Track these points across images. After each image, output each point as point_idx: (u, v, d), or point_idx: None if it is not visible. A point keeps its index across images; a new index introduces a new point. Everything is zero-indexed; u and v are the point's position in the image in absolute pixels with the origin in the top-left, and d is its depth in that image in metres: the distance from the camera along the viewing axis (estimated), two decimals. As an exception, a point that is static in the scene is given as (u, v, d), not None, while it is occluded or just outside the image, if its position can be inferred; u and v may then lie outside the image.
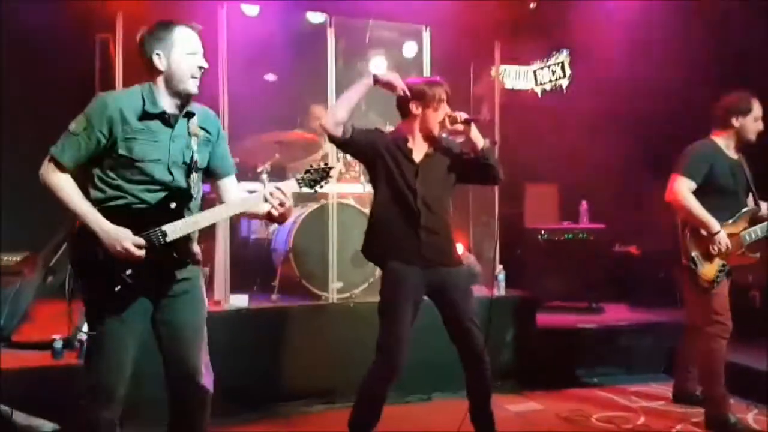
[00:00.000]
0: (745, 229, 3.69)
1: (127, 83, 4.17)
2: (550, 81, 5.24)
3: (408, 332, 3.17)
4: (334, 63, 4.51)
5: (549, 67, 5.17)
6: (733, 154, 3.77)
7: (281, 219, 2.61)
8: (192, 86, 2.47)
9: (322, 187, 2.64)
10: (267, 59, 6.11)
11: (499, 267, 4.90)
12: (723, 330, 3.63)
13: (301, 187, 2.60)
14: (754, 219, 3.73)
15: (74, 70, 5.14)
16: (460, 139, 3.37)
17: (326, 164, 2.66)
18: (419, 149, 3.21)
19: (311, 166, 2.63)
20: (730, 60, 5.65)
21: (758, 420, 3.87)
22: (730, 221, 3.67)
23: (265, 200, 2.50)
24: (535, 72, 5.37)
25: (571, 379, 4.70)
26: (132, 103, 2.42)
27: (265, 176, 4.47)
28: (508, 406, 4.19)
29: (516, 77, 5.64)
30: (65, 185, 2.38)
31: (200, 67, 2.49)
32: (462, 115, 3.14)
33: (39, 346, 3.79)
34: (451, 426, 3.49)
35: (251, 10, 5.00)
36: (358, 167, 4.97)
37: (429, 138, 3.21)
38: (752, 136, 3.74)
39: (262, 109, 5.26)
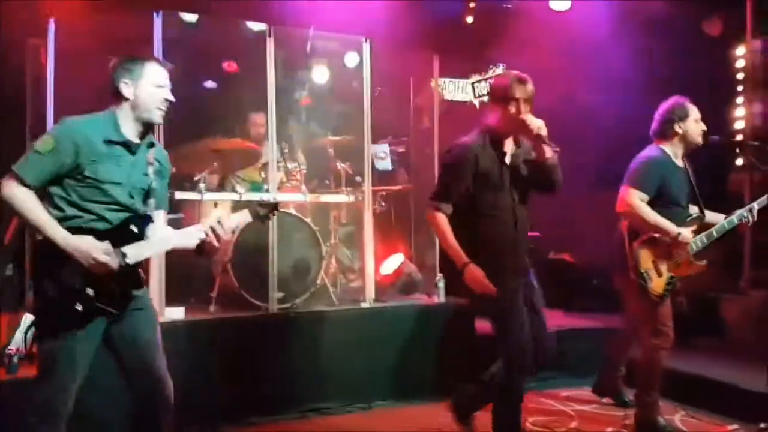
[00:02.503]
0: (692, 238, 3.69)
1: (58, 90, 4.06)
2: (488, 94, 5.34)
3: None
4: (273, 72, 4.50)
5: (486, 80, 5.27)
6: (680, 162, 3.79)
7: (211, 253, 2.71)
8: (157, 116, 2.62)
9: (269, 219, 2.77)
10: (206, 67, 6.05)
11: (439, 275, 4.97)
12: (666, 340, 3.72)
13: (254, 218, 2.72)
14: (700, 227, 3.75)
15: (4, 77, 4.96)
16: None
17: (275, 199, 2.92)
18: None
19: (261, 200, 2.83)
20: (665, 70, 5.91)
21: (685, 421, 4.02)
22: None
23: (206, 235, 2.60)
24: (473, 85, 5.47)
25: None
26: (97, 130, 2.53)
27: (202, 186, 4.40)
28: (446, 413, 4.23)
29: (455, 90, 5.73)
30: (28, 201, 2.43)
31: (166, 100, 2.61)
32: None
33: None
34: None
35: (190, 18, 4.95)
36: (299, 176, 4.97)
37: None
38: (698, 138, 3.75)
39: (200, 117, 5.20)
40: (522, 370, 3.14)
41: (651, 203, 3.65)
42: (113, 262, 2.44)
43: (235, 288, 4.40)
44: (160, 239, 2.65)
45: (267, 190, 4.59)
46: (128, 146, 2.58)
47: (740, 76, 6.18)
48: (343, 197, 5.08)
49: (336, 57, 5.94)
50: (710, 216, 3.85)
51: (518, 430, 3.23)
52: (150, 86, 2.59)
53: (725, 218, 3.79)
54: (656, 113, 3.83)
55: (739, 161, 6.18)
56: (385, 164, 5.57)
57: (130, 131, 2.60)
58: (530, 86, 3.11)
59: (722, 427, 3.58)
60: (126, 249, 2.50)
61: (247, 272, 4.43)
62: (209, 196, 4.47)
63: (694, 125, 3.74)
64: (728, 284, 5.87)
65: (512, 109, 3.08)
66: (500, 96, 3.14)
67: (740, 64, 6.19)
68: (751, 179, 5.85)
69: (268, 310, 4.39)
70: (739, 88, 6.18)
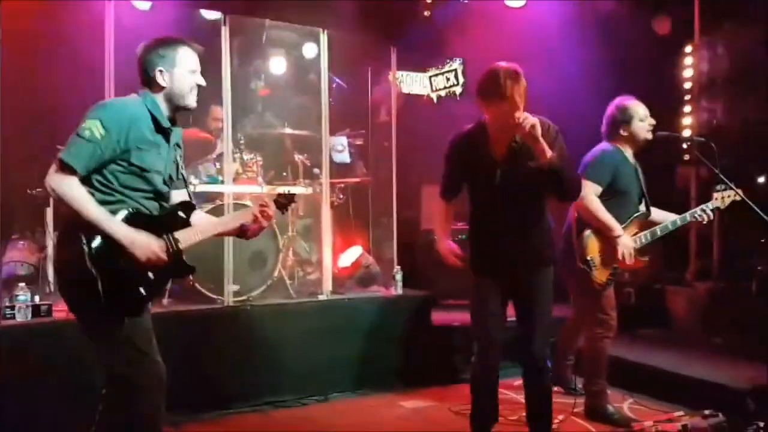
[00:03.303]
0: (636, 233, 3.82)
1: (6, 79, 3.91)
2: (445, 87, 5.40)
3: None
4: (228, 61, 4.43)
5: (443, 74, 5.32)
6: (632, 159, 3.90)
7: (254, 235, 2.75)
8: (192, 101, 2.60)
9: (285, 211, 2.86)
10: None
11: (397, 267, 5.00)
12: (609, 328, 3.85)
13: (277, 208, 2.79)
14: (644, 224, 3.87)
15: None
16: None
17: (290, 192, 2.88)
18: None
19: (284, 192, 2.87)
20: (624, 65, 6.04)
21: (633, 408, 4.14)
22: (623, 225, 3.77)
23: (255, 218, 2.65)
24: (430, 78, 5.51)
25: (463, 374, 4.86)
26: (143, 116, 2.47)
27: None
28: (403, 403, 4.29)
29: (412, 83, 5.76)
30: (83, 196, 2.33)
31: (198, 85, 2.59)
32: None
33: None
34: (351, 426, 3.53)
35: (143, 5, 4.84)
36: (256, 168, 4.92)
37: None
38: (646, 135, 3.85)
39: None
40: (482, 361, 3.18)
41: (602, 195, 3.75)
42: (166, 254, 2.44)
43: (189, 280, 4.34)
44: (208, 224, 2.66)
45: (222, 182, 4.53)
46: (167, 134, 2.56)
47: (688, 73, 6.36)
48: (300, 189, 5.05)
49: (293, 48, 5.89)
50: (656, 214, 3.97)
51: (486, 418, 3.29)
52: (185, 72, 2.54)
53: (672, 219, 3.90)
54: (604, 115, 3.93)
55: (686, 157, 6.37)
56: (343, 157, 5.57)
57: (166, 118, 2.56)
58: (523, 80, 2.89)
59: (668, 413, 3.69)
60: (178, 234, 2.50)
61: (201, 264, 4.35)
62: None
63: (639, 125, 3.85)
64: (674, 276, 6.06)
65: (503, 106, 2.85)
66: (490, 90, 2.90)
67: (688, 61, 6.37)
68: (697, 174, 6.05)
69: (223, 303, 4.34)
70: (687, 85, 6.36)
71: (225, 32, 4.41)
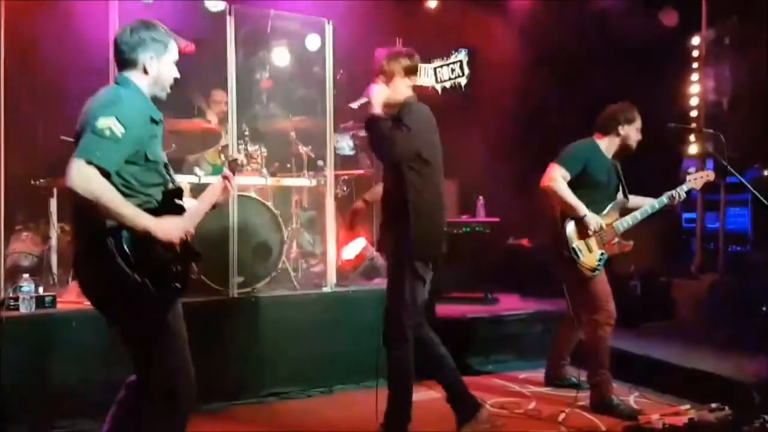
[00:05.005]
0: (617, 219, 3.99)
1: (10, 73, 3.89)
2: (450, 79, 5.35)
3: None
4: (234, 52, 4.41)
5: (448, 65, 5.27)
6: (609, 156, 4.04)
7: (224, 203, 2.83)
8: (166, 94, 2.54)
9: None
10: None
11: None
12: (608, 316, 3.87)
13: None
14: (624, 210, 4.04)
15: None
16: None
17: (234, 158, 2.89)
18: None
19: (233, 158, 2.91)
20: (624, 59, 6.01)
21: (639, 402, 4.13)
22: (604, 212, 3.94)
23: (225, 187, 2.71)
24: (435, 69, 5.47)
25: (466, 367, 4.85)
26: (145, 107, 2.41)
27: (161, 168, 4.29)
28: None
29: (417, 74, 5.72)
30: (114, 193, 2.23)
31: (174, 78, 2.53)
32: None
33: None
34: (355, 418, 3.52)
35: (147, -2, 4.80)
36: (260, 159, 4.90)
37: None
38: (633, 143, 4.03)
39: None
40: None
41: (577, 185, 3.86)
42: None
43: (194, 272, 4.32)
44: (197, 207, 2.64)
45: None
46: (158, 121, 2.47)
47: (695, 65, 6.33)
48: (304, 181, 5.03)
49: (298, 38, 5.85)
50: (635, 200, 4.12)
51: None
52: (170, 64, 2.49)
53: (650, 203, 4.07)
54: (606, 110, 4.06)
55: (693, 149, 6.35)
56: (341, 146, 5.56)
57: None
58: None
59: (674, 407, 3.69)
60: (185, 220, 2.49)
61: (206, 256, 4.34)
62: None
63: (635, 132, 4.03)
64: (679, 268, 6.05)
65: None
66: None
67: (695, 53, 6.34)
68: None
69: (228, 294, 4.33)
70: (694, 77, 6.33)
71: (230, 22, 4.38)
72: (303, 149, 5.23)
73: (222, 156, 4.93)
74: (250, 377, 4.19)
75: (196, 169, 4.58)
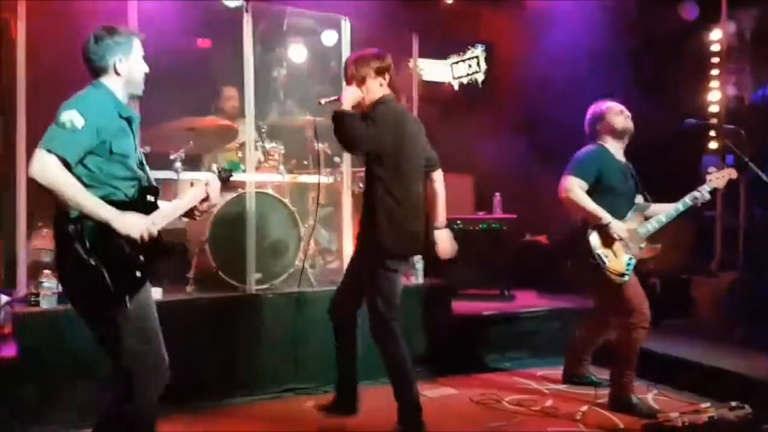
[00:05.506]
0: (641, 223, 3.91)
1: (30, 66, 3.94)
2: (467, 75, 5.36)
3: None
4: (251, 49, 4.42)
5: (465, 61, 5.27)
6: (621, 158, 3.99)
7: (193, 215, 2.82)
8: (141, 90, 2.66)
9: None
10: (181, 44, 5.93)
11: (417, 256, 4.97)
12: (642, 319, 3.81)
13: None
14: (647, 214, 3.96)
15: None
16: None
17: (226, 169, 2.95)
18: None
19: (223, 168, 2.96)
20: (643, 54, 5.95)
21: (658, 400, 4.10)
22: (626, 218, 3.86)
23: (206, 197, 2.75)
24: (451, 65, 5.46)
25: (483, 364, 4.86)
26: (111, 104, 2.52)
27: (178, 165, 4.32)
28: (424, 392, 4.24)
29: (433, 70, 5.71)
30: (75, 184, 2.36)
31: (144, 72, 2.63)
32: None
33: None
34: (371, 413, 3.53)
35: (164, -5, 4.84)
36: (277, 156, 4.91)
37: None
38: (624, 124, 3.93)
39: (174, 95, 5.09)
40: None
41: (595, 193, 3.81)
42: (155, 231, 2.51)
43: (212, 268, 4.36)
44: (172, 206, 2.70)
45: (244, 171, 4.53)
46: (130, 120, 2.59)
47: (715, 60, 6.24)
48: (324, 179, 5.03)
49: (314, 35, 5.86)
50: (656, 207, 4.02)
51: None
52: (139, 59, 2.61)
53: (675, 205, 3.97)
54: (591, 114, 4.04)
55: (713, 145, 6.27)
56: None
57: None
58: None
59: (695, 405, 3.65)
60: (152, 217, 2.54)
61: (224, 253, 4.39)
62: (185, 176, 4.40)
63: (613, 117, 3.95)
64: (699, 266, 5.98)
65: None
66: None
67: (715, 48, 6.25)
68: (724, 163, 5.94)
69: (245, 290, 4.36)
70: (714, 71, 6.25)
71: (247, 19, 4.40)
72: (320, 146, 5.23)
73: (239, 153, 4.95)
74: (267, 373, 4.22)
75: (214, 166, 4.59)
